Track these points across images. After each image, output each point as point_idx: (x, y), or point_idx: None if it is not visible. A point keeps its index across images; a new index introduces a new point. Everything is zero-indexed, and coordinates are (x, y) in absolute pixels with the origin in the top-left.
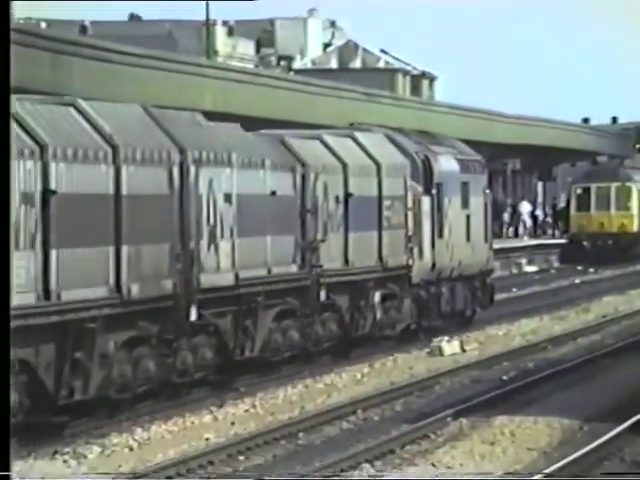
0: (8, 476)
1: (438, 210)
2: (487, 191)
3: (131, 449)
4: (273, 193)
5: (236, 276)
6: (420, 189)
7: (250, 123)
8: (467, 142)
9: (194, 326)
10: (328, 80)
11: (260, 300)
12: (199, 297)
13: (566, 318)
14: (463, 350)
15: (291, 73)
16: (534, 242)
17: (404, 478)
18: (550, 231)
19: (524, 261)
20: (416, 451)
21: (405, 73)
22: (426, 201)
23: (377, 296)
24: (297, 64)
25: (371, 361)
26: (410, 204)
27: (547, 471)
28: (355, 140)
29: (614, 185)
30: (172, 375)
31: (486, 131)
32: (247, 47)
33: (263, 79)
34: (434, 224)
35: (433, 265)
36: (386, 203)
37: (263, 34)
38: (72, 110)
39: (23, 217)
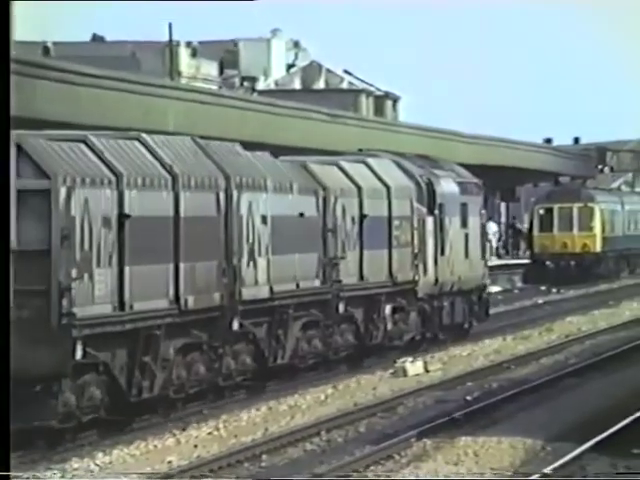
0: (8, 476)
1: (440, 229)
2: (483, 211)
3: (92, 473)
4: (301, 215)
5: (271, 289)
6: (424, 210)
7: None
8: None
9: (236, 334)
10: (292, 101)
11: (290, 312)
12: (240, 308)
13: (529, 338)
14: (427, 371)
15: (255, 94)
16: (497, 262)
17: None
18: (511, 251)
19: (487, 281)
20: (380, 472)
21: (368, 94)
22: (430, 221)
23: (388, 309)
24: (261, 85)
25: (335, 382)
26: (416, 224)
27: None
28: (367, 165)
29: (576, 205)
30: (218, 378)
31: (448, 151)
32: (210, 68)
33: (227, 100)
34: (437, 242)
35: (436, 280)
36: (395, 223)
37: (226, 55)
38: (137, 143)
39: (103, 238)
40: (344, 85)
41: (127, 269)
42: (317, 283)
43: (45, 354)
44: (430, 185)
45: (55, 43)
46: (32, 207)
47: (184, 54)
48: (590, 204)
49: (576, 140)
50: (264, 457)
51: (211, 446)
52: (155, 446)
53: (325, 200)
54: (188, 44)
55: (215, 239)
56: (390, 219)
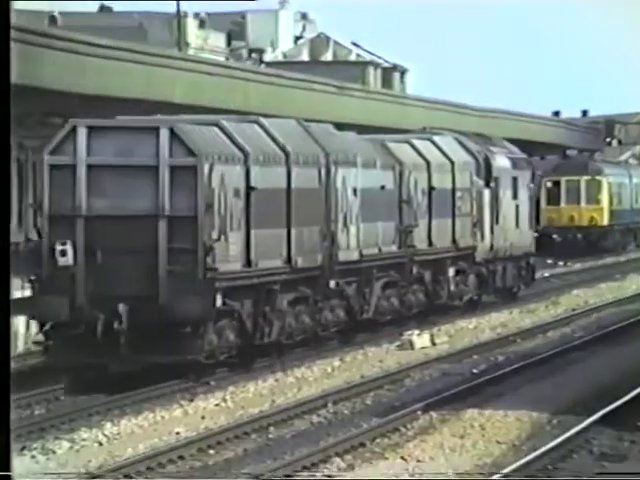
0: (8, 476)
1: (495, 200)
2: (531, 185)
3: (100, 444)
4: (382, 187)
5: (360, 253)
6: (481, 183)
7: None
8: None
9: (332, 291)
10: (299, 73)
11: (374, 272)
12: (336, 268)
13: (536, 311)
14: (433, 343)
15: (262, 66)
16: None
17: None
18: None
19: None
20: (386, 444)
21: (376, 66)
22: (486, 193)
23: (451, 271)
24: (268, 57)
25: (341, 355)
26: (475, 195)
27: (505, 471)
28: (433, 142)
29: (584, 178)
30: (318, 328)
31: (456, 124)
32: (218, 40)
33: (235, 72)
34: (492, 212)
35: (491, 246)
36: (458, 194)
37: (234, 27)
38: (256, 126)
39: (235, 207)
40: (352, 57)
41: (252, 233)
42: (394, 248)
43: (194, 301)
44: (487, 160)
45: (62, 13)
46: (182, 181)
47: (192, 25)
48: (598, 177)
49: (584, 113)
50: (271, 429)
51: (218, 417)
52: (163, 417)
53: (401, 174)
54: (196, 15)
55: (318, 208)
56: (454, 191)
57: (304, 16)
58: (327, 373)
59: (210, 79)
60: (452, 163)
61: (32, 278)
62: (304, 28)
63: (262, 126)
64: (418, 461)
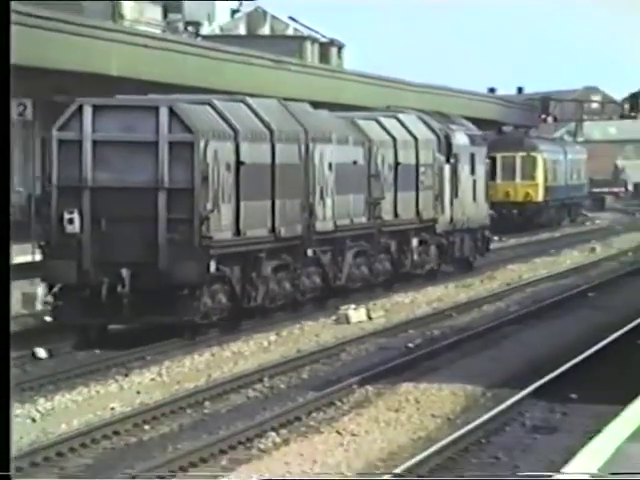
0: (8, 476)
1: (454, 175)
2: (486, 160)
3: (33, 420)
4: (354, 162)
5: (335, 224)
6: (443, 159)
7: (159, 89)
8: (377, 111)
9: (310, 259)
10: (236, 47)
11: (347, 242)
12: (314, 238)
13: (471, 286)
14: (369, 318)
15: (199, 39)
16: None
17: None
18: None
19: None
20: (322, 419)
21: (313, 41)
22: (447, 168)
23: (415, 241)
24: (205, 30)
25: (278, 329)
26: (436, 170)
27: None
28: (399, 120)
29: (519, 155)
30: (297, 294)
31: (394, 99)
32: (154, 12)
33: (171, 45)
34: (452, 186)
35: (451, 219)
36: (421, 169)
37: None
38: (243, 105)
39: (226, 180)
40: (289, 32)
41: (242, 204)
42: (364, 219)
43: (190, 266)
44: (447, 137)
45: None
46: (179, 155)
47: None
48: (533, 153)
49: (519, 90)
50: (207, 404)
51: (154, 392)
52: (98, 392)
53: (370, 150)
54: None
55: (298, 182)
56: (417, 166)
57: None
58: (263, 347)
59: (147, 52)
60: (416, 140)
61: (42, 244)
62: (241, 2)
63: (249, 105)
64: (353, 435)
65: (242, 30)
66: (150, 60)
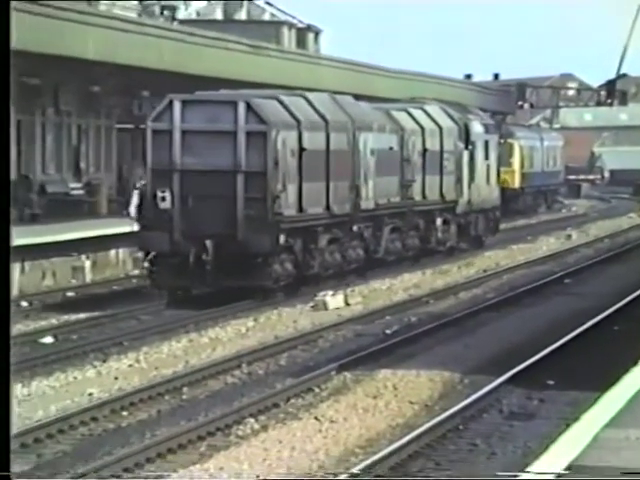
0: (8, 476)
1: (472, 161)
2: (497, 146)
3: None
4: (390, 148)
5: (376, 203)
6: (462, 146)
7: (138, 73)
8: (355, 96)
9: (355, 234)
10: (214, 31)
11: (385, 219)
12: (359, 215)
13: (449, 272)
14: (347, 304)
15: (175, 23)
16: None
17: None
18: None
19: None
20: (300, 405)
21: (290, 26)
22: (465, 154)
23: (439, 221)
24: (181, 14)
25: (256, 315)
26: (457, 156)
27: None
28: (424, 111)
29: None
30: (344, 264)
31: (372, 85)
32: None
33: (148, 29)
34: (470, 171)
35: (469, 200)
36: (445, 156)
37: None
38: (301, 99)
39: (291, 164)
40: (266, 17)
41: (304, 185)
42: (398, 199)
43: (264, 238)
44: (466, 126)
45: None
46: (254, 143)
47: None
48: (509, 140)
49: (496, 76)
50: (185, 390)
51: (132, 378)
52: (75, 378)
53: (402, 137)
54: None
55: (347, 166)
56: (442, 152)
57: None
58: (241, 333)
59: (123, 36)
60: (440, 129)
61: (138, 217)
62: None
63: (306, 99)
64: (331, 421)
65: (219, 15)
66: (128, 44)
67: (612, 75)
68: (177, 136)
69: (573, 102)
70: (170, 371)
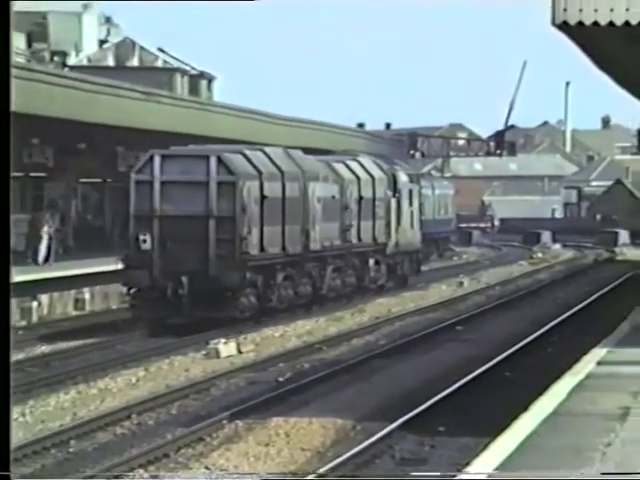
0: (8, 476)
1: (399, 208)
2: (420, 194)
3: None
4: (333, 197)
5: (322, 245)
6: (390, 194)
7: (27, 121)
8: (247, 143)
9: (304, 272)
10: (105, 78)
11: (328, 259)
12: (309, 256)
13: (341, 319)
14: (239, 352)
15: (66, 69)
16: None
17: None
18: None
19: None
20: (191, 454)
21: (183, 73)
22: (393, 202)
23: (372, 261)
24: (72, 60)
25: (147, 364)
26: (386, 203)
27: (321, 471)
28: (359, 162)
29: None
30: (295, 299)
31: (265, 133)
32: (18, 40)
33: (38, 75)
34: (397, 216)
35: (396, 243)
36: (377, 203)
37: (35, 27)
38: (260, 153)
39: (255, 210)
40: (158, 63)
41: (265, 229)
42: (339, 242)
43: (234, 274)
44: (394, 176)
45: None
46: (224, 192)
47: None
48: None
49: (388, 125)
50: (72, 442)
51: (16, 434)
52: None
53: (342, 187)
54: None
55: (299, 211)
56: (374, 200)
57: (108, 20)
58: (131, 383)
59: (12, 82)
60: (373, 179)
61: (123, 257)
62: (109, 32)
63: (265, 153)
64: (222, 470)
65: (110, 61)
66: (16, 90)
67: (501, 126)
68: (157, 186)
69: (463, 152)
70: (57, 424)
